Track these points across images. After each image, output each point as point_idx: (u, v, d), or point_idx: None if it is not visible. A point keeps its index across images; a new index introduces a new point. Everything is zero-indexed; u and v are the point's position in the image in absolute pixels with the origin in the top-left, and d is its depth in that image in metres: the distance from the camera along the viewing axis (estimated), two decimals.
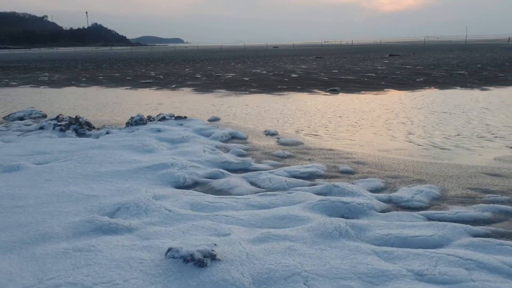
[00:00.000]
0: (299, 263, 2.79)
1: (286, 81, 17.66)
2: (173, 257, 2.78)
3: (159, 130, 7.47)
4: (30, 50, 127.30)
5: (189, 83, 18.13)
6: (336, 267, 2.76)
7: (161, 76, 21.66)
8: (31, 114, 10.19)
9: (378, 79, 17.19)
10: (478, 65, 22.43)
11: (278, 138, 7.16)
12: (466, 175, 4.96)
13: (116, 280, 2.57)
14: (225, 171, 5.19)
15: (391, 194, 4.27)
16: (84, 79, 21.31)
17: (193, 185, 4.80)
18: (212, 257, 2.77)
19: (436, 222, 3.48)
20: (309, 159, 5.81)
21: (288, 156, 5.97)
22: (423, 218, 3.64)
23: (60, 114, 8.70)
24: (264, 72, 22.66)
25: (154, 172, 5.04)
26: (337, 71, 21.97)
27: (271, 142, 6.99)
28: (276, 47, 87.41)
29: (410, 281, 2.61)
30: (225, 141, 7.00)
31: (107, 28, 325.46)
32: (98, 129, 8.23)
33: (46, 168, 5.17)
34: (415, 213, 3.74)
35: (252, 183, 4.78)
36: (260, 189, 4.59)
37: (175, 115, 9.01)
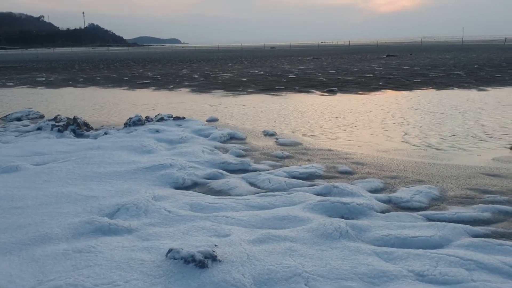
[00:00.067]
0: (300, 264, 2.79)
1: (283, 81, 17.67)
2: (174, 258, 2.78)
3: (157, 131, 7.45)
4: (27, 51, 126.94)
5: (186, 83, 18.11)
6: (337, 267, 2.76)
7: (159, 77, 21.63)
8: (29, 114, 10.15)
9: (376, 80, 17.22)
10: (475, 66, 22.51)
11: (277, 139, 7.16)
12: (465, 175, 4.97)
13: (117, 281, 2.56)
14: (224, 172, 5.18)
15: (390, 195, 4.27)
16: (81, 80, 21.25)
17: (193, 185, 4.79)
18: (213, 258, 2.77)
19: (436, 222, 3.49)
20: (308, 160, 5.81)
21: (287, 157, 5.97)
22: (422, 219, 3.65)
23: (58, 115, 8.67)
24: (262, 72, 22.67)
25: (153, 173, 5.03)
26: (334, 71, 22.00)
27: (270, 142, 6.99)
28: (274, 47, 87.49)
29: (411, 281, 2.62)
30: (224, 142, 7.00)
31: (104, 28, 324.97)
32: (96, 129, 8.21)
33: (45, 169, 5.15)
34: (414, 214, 3.75)
35: (252, 184, 4.78)
36: (259, 189, 4.58)
37: (173, 116, 9.00)
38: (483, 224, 3.57)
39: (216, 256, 2.78)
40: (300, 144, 6.81)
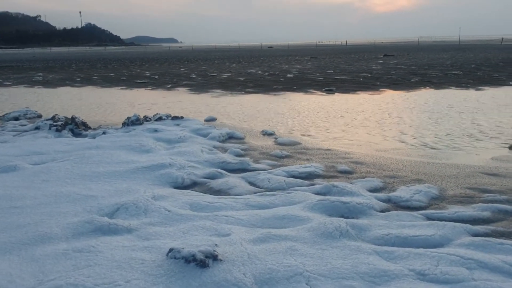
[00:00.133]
0: (301, 263, 2.79)
1: (281, 81, 17.67)
2: (175, 258, 2.77)
3: (156, 130, 7.43)
4: (23, 50, 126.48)
5: (184, 83, 18.09)
6: (337, 267, 2.76)
7: (156, 76, 21.59)
8: (26, 114, 10.12)
9: (373, 79, 17.24)
10: (473, 65, 22.57)
11: (276, 138, 7.16)
12: (464, 174, 4.98)
13: (117, 281, 2.55)
14: (224, 171, 5.18)
15: (390, 194, 4.28)
16: (78, 79, 21.19)
17: (192, 185, 4.78)
18: (214, 257, 2.76)
19: (436, 221, 3.49)
20: (307, 159, 5.81)
21: (286, 156, 5.97)
22: (422, 218, 3.65)
23: (56, 114, 8.64)
24: (260, 72, 22.66)
25: (152, 172, 5.02)
26: (332, 71, 22.01)
27: (269, 142, 6.98)
28: (271, 47, 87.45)
29: (412, 280, 2.62)
30: (223, 141, 6.99)
31: (101, 28, 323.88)
32: (94, 129, 8.19)
33: (43, 168, 5.13)
34: (414, 213, 3.75)
35: (251, 183, 4.77)
36: (259, 189, 4.58)
37: (172, 115, 8.99)
38: (483, 223, 3.57)
39: (217, 256, 2.78)
40: (299, 143, 6.81)
